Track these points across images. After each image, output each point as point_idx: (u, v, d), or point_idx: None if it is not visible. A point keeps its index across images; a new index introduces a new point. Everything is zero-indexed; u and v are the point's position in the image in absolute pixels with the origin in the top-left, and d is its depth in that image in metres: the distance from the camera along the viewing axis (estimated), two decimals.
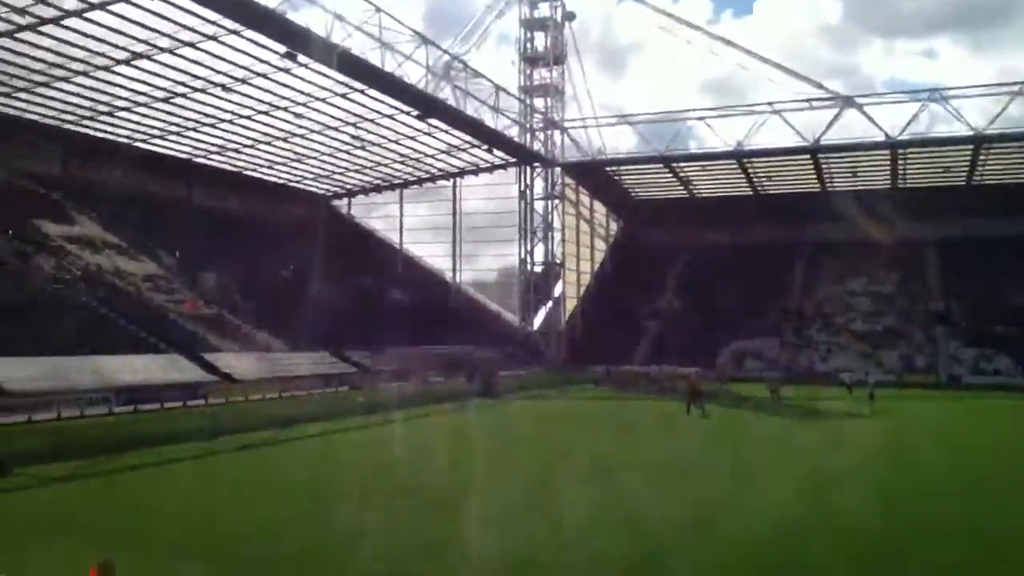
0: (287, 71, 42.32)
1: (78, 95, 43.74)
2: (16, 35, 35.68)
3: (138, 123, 49.21)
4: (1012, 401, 42.18)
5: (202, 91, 44.41)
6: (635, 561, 11.16)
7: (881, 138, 55.88)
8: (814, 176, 64.17)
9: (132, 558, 8.38)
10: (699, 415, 32.01)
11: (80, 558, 9.10)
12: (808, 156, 59.77)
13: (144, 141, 52.62)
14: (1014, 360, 56.49)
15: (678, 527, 13.08)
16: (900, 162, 60.12)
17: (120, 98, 44.65)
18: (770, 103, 57.21)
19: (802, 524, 13.60)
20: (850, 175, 64.22)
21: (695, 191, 70.63)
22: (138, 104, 45.69)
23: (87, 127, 49.17)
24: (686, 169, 65.33)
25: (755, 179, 65.98)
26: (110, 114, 47.01)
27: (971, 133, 53.87)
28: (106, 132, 50.53)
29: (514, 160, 64.37)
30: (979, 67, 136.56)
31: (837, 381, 48.21)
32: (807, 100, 57.22)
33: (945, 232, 68.77)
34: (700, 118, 60.07)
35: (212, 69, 41.59)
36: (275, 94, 46.05)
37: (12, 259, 37.93)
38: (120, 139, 51.73)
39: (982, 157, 58.09)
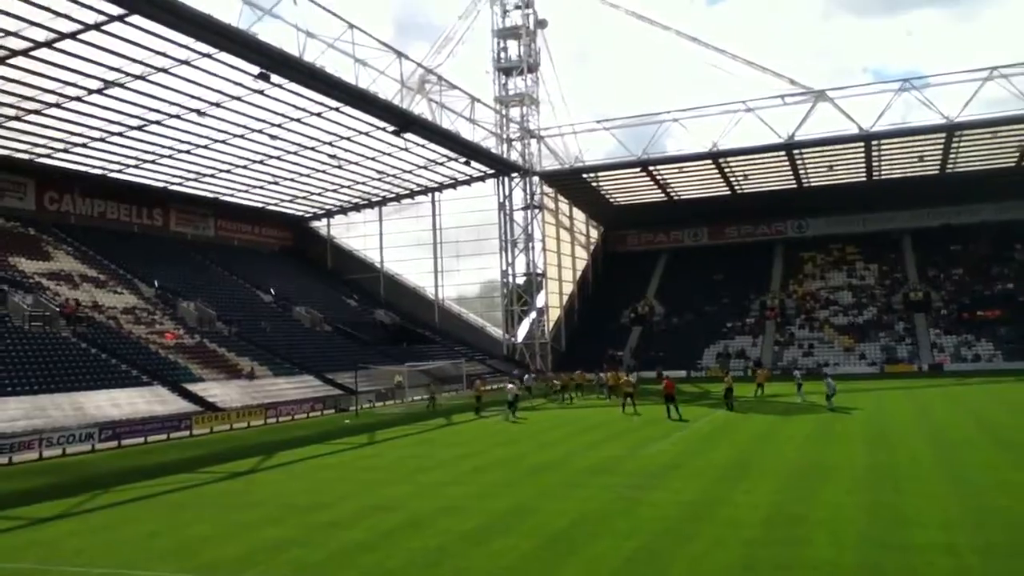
0: (261, 92, 42.26)
1: (51, 127, 43.64)
2: None
3: (113, 153, 49.01)
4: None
5: (177, 117, 44.30)
6: None
7: (855, 130, 56.31)
8: (790, 172, 64.57)
9: None
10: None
11: None
12: (783, 152, 60.08)
13: (120, 171, 52.43)
14: (995, 345, 57.06)
15: None
16: (875, 154, 60.49)
17: (94, 128, 44.47)
18: (743, 101, 57.41)
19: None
20: (826, 169, 64.64)
21: (673, 193, 70.98)
22: (112, 134, 45.53)
23: (60, 159, 48.95)
24: (663, 172, 65.54)
25: (732, 178, 66.35)
26: (84, 145, 46.78)
27: (943, 121, 53.93)
28: (80, 164, 50.35)
29: (492, 171, 64.45)
30: (961, 41, 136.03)
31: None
32: (780, 96, 57.43)
33: (921, 221, 70.56)
34: (675, 119, 60.04)
35: (186, 94, 41.54)
36: (250, 116, 46.00)
37: None
38: (95, 170, 51.53)
39: (955, 145, 58.39)
